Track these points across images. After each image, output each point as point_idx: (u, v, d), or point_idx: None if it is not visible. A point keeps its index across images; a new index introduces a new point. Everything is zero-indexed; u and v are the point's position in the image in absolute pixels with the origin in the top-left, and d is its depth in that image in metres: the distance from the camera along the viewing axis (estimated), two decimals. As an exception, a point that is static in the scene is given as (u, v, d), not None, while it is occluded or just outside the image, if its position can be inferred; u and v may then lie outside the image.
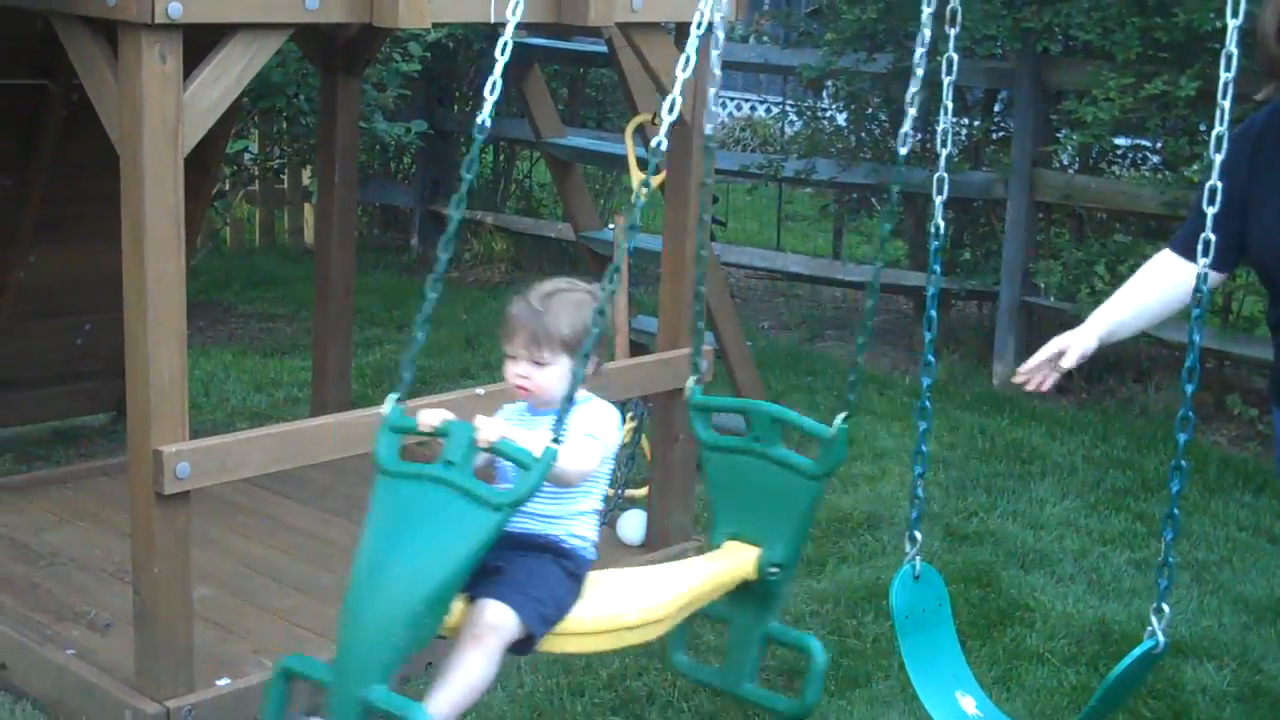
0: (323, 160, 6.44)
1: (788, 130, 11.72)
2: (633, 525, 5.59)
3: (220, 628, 4.76)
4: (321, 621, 4.85)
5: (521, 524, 3.51)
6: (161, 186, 3.89)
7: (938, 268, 3.76)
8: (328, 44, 6.17)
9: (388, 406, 3.45)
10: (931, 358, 3.83)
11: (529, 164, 11.53)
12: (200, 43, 3.99)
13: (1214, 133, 3.27)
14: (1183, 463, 3.39)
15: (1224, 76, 3.27)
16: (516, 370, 3.59)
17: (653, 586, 3.76)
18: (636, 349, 6.12)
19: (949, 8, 3.79)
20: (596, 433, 3.54)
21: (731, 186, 10.97)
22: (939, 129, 3.80)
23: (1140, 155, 8.33)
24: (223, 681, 4.35)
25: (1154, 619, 3.49)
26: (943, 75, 3.75)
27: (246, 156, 10.15)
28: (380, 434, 3.40)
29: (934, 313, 3.80)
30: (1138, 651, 3.50)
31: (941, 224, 3.77)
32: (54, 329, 6.39)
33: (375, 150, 10.78)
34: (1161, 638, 3.49)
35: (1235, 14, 3.25)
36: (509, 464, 3.37)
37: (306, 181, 10.99)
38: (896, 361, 8.58)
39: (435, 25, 4.85)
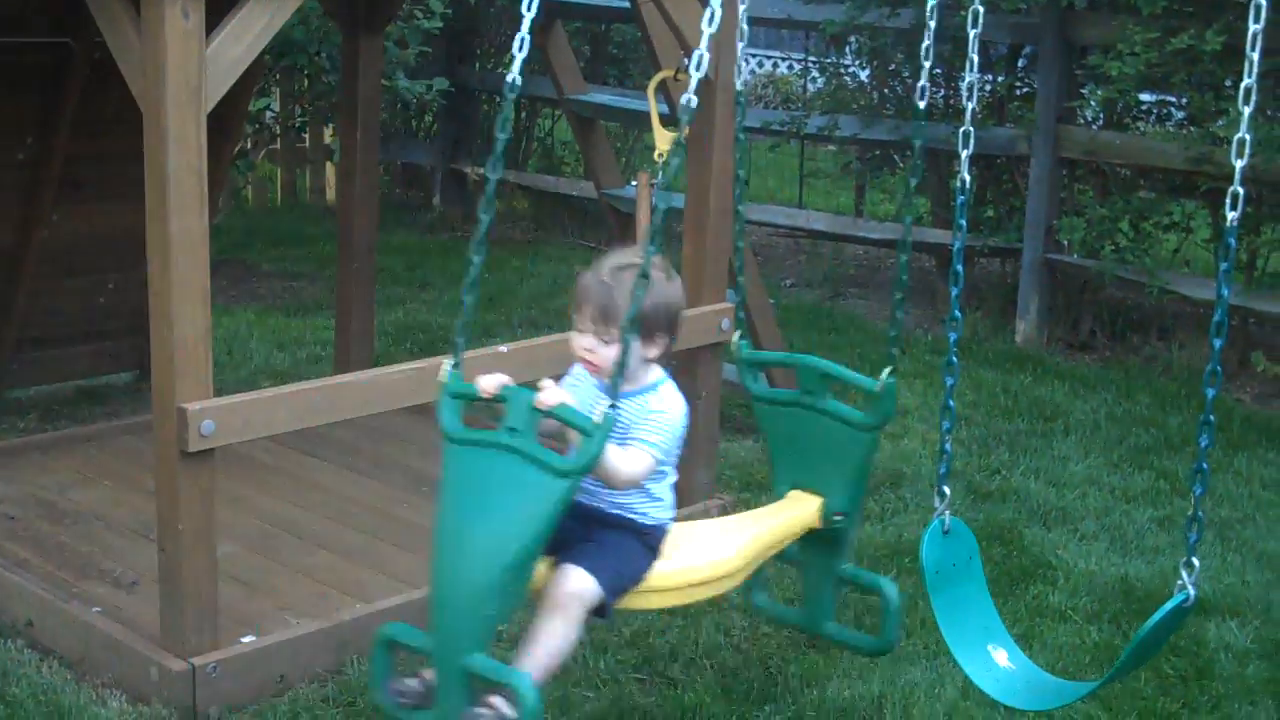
0: (344, 118, 6.43)
1: (810, 87, 11.66)
2: (655, 483, 5.59)
3: (245, 585, 4.78)
4: (345, 579, 4.86)
5: (596, 500, 3.61)
6: (184, 144, 3.89)
7: (963, 222, 3.74)
8: (349, 1, 6.15)
9: (445, 374, 3.47)
10: (959, 313, 3.82)
11: (551, 121, 11.51)
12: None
13: (1243, 85, 3.24)
14: (1210, 418, 3.37)
15: (1253, 28, 3.24)
16: (583, 344, 3.55)
17: (721, 540, 3.84)
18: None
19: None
20: (654, 440, 3.54)
21: (754, 144, 10.93)
22: (964, 83, 3.78)
23: (1165, 110, 8.27)
24: (247, 638, 4.37)
25: (1184, 572, 3.48)
26: (969, 28, 3.72)
27: (268, 115, 10.15)
28: (442, 402, 3.43)
29: (960, 267, 3.78)
30: (1169, 605, 3.50)
31: (967, 178, 3.74)
32: (77, 288, 6.40)
33: (397, 108, 10.77)
34: (1192, 591, 3.48)
35: (1264, -34, 3.22)
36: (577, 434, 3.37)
37: (328, 140, 10.99)
38: (919, 319, 8.56)
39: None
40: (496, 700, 3.31)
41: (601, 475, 3.44)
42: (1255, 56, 3.23)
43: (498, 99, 11.20)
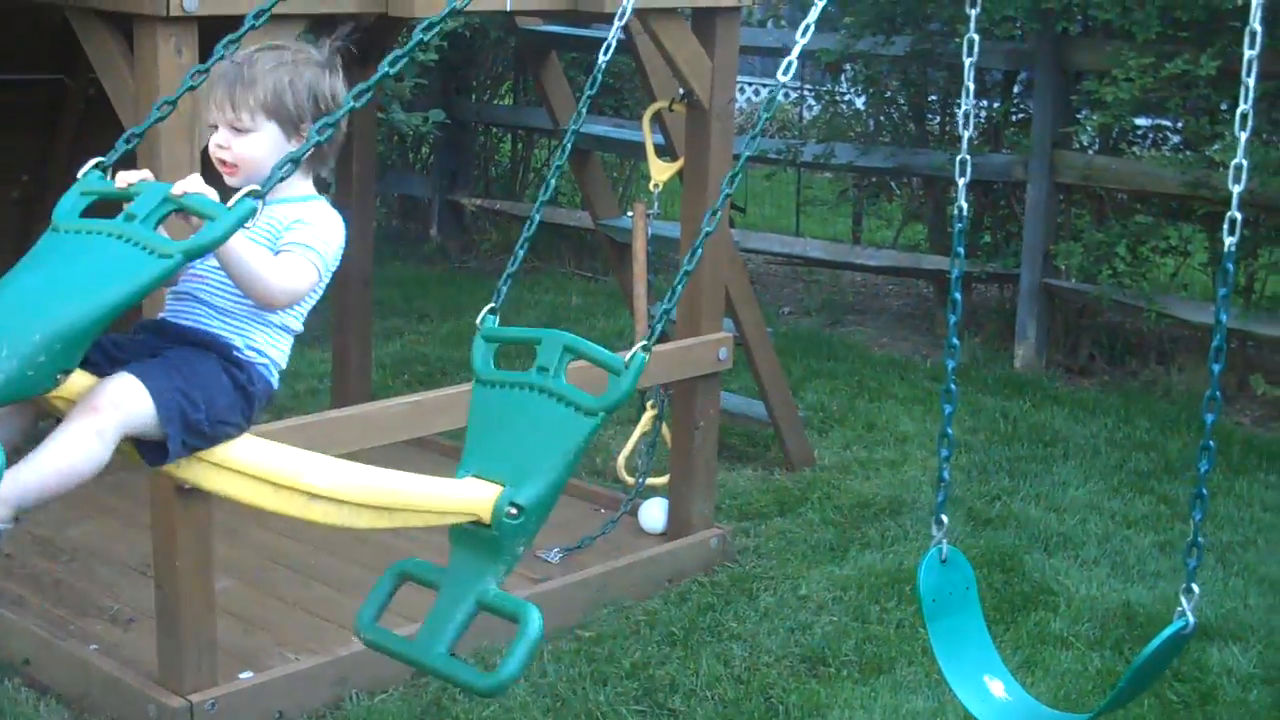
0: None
1: (806, 115, 11.68)
2: (654, 514, 5.58)
3: (243, 620, 4.76)
4: (343, 613, 4.84)
5: (193, 316, 2.95)
6: (178, 179, 3.87)
7: (961, 249, 3.73)
8: (343, 34, 6.15)
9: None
10: (956, 340, 3.81)
11: (547, 152, 11.51)
12: (216, 35, 3.97)
13: (1239, 111, 3.22)
14: (1210, 443, 3.36)
15: (1248, 54, 3.22)
16: (216, 140, 3.04)
17: (361, 468, 3.05)
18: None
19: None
20: (317, 246, 2.99)
21: (750, 172, 10.93)
22: (960, 111, 3.77)
23: (1161, 135, 8.28)
24: (246, 674, 4.35)
25: (1183, 599, 3.46)
26: (964, 56, 3.71)
27: (264, 148, 10.14)
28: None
29: (958, 295, 3.77)
30: (1167, 632, 3.47)
31: (964, 206, 3.73)
32: (73, 323, 6.38)
33: (393, 141, 10.77)
34: (1191, 618, 3.46)
35: (1259, -10, 3.21)
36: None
37: (325, 173, 10.98)
38: (917, 345, 8.55)
39: (452, 14, 4.83)
40: None
41: (254, 290, 2.85)
42: (1250, 82, 3.22)
43: (494, 130, 11.26)
